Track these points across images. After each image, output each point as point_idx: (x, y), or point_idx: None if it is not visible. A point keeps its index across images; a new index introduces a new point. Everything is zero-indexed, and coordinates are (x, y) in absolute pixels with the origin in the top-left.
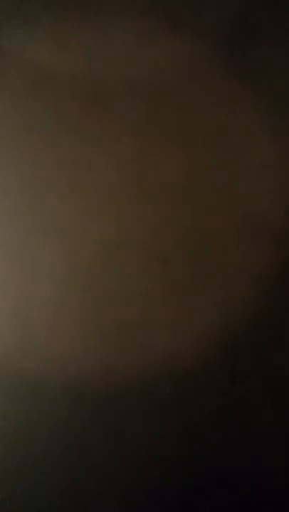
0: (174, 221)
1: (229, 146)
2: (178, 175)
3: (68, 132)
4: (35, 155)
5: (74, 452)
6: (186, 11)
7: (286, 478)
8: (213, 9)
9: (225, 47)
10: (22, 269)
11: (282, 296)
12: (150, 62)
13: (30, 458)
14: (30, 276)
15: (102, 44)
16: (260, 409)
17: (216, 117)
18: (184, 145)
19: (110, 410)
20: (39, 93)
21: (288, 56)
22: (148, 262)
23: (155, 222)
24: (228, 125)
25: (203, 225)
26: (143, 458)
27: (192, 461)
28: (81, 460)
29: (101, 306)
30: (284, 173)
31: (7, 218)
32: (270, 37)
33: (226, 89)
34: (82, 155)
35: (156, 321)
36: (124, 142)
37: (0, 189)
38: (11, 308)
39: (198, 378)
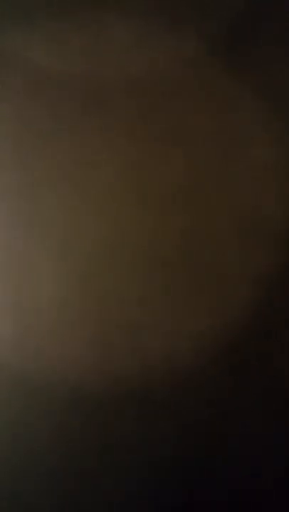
0: (172, 222)
1: (229, 147)
2: (177, 175)
3: (68, 132)
4: (35, 155)
5: (73, 453)
6: (186, 10)
7: (287, 478)
8: (213, 9)
9: (225, 47)
10: (22, 271)
11: (282, 296)
12: (150, 61)
13: (29, 459)
14: (29, 278)
15: (102, 44)
16: (260, 411)
17: (216, 117)
18: (183, 145)
19: (109, 412)
20: (39, 93)
21: (288, 56)
22: (147, 263)
23: (154, 224)
24: (227, 125)
25: (202, 226)
26: (142, 459)
27: (192, 463)
28: (80, 461)
29: (100, 308)
30: (283, 173)
31: (6, 219)
32: (270, 37)
33: (225, 89)
34: (81, 155)
35: (155, 322)
36: (124, 142)
37: None
38: (10, 309)
39: (197, 380)
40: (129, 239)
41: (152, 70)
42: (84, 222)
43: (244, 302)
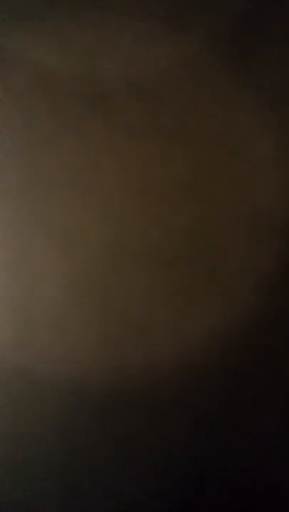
0: (176, 222)
1: (231, 146)
2: (180, 174)
3: (69, 132)
4: (37, 155)
5: (76, 452)
6: (188, 10)
7: (288, 481)
8: (215, 9)
9: (227, 46)
10: (24, 270)
11: (285, 295)
12: (152, 61)
13: (31, 457)
14: (32, 277)
15: (104, 44)
16: (263, 410)
17: (218, 116)
18: (185, 145)
19: (113, 410)
20: (40, 93)
21: None
22: (150, 262)
23: (157, 223)
24: (230, 124)
25: (206, 226)
26: (145, 458)
27: (195, 461)
28: (83, 460)
29: (103, 307)
30: (285, 172)
31: (9, 219)
32: (272, 36)
33: (228, 88)
34: (83, 155)
35: (158, 321)
36: (126, 142)
37: (1, 190)
38: (14, 308)
39: (201, 378)
40: (133, 238)
41: (155, 69)
42: (87, 221)
43: (249, 301)
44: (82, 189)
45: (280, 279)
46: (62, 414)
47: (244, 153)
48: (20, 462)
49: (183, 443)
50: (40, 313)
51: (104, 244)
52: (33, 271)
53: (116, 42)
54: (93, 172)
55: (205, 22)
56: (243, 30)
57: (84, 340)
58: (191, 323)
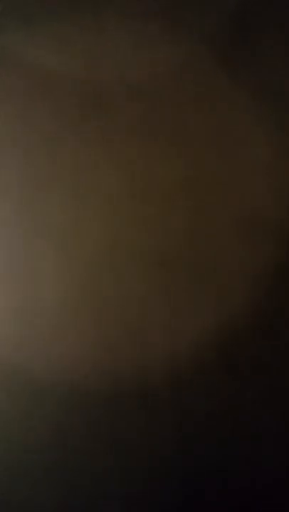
0: (173, 223)
1: (229, 147)
2: (177, 177)
3: (68, 133)
4: (37, 155)
5: (74, 453)
6: (186, 11)
7: (287, 481)
8: (214, 9)
9: (224, 48)
10: (24, 270)
11: (281, 296)
12: (150, 63)
13: (29, 459)
14: (31, 277)
15: (102, 45)
16: (259, 411)
17: (216, 118)
18: (183, 146)
19: (111, 410)
20: (39, 94)
21: (287, 56)
22: (147, 263)
23: (154, 224)
24: (227, 126)
25: (203, 226)
26: (142, 459)
27: (191, 463)
28: (81, 461)
29: (100, 308)
30: (283, 173)
31: (8, 219)
32: (270, 37)
33: (225, 89)
34: (82, 156)
35: (155, 322)
36: (124, 143)
37: (1, 190)
38: (12, 310)
39: (197, 380)
40: (131, 239)
41: (154, 70)
42: (85, 223)
43: (244, 301)
44: (82, 189)
45: (279, 279)
46: (60, 414)
47: (243, 153)
48: (18, 461)
49: (182, 443)
50: (39, 314)
51: (104, 244)
52: (32, 271)
53: (115, 43)
54: (93, 172)
55: (204, 22)
56: (242, 30)
57: (82, 340)
58: (190, 323)
